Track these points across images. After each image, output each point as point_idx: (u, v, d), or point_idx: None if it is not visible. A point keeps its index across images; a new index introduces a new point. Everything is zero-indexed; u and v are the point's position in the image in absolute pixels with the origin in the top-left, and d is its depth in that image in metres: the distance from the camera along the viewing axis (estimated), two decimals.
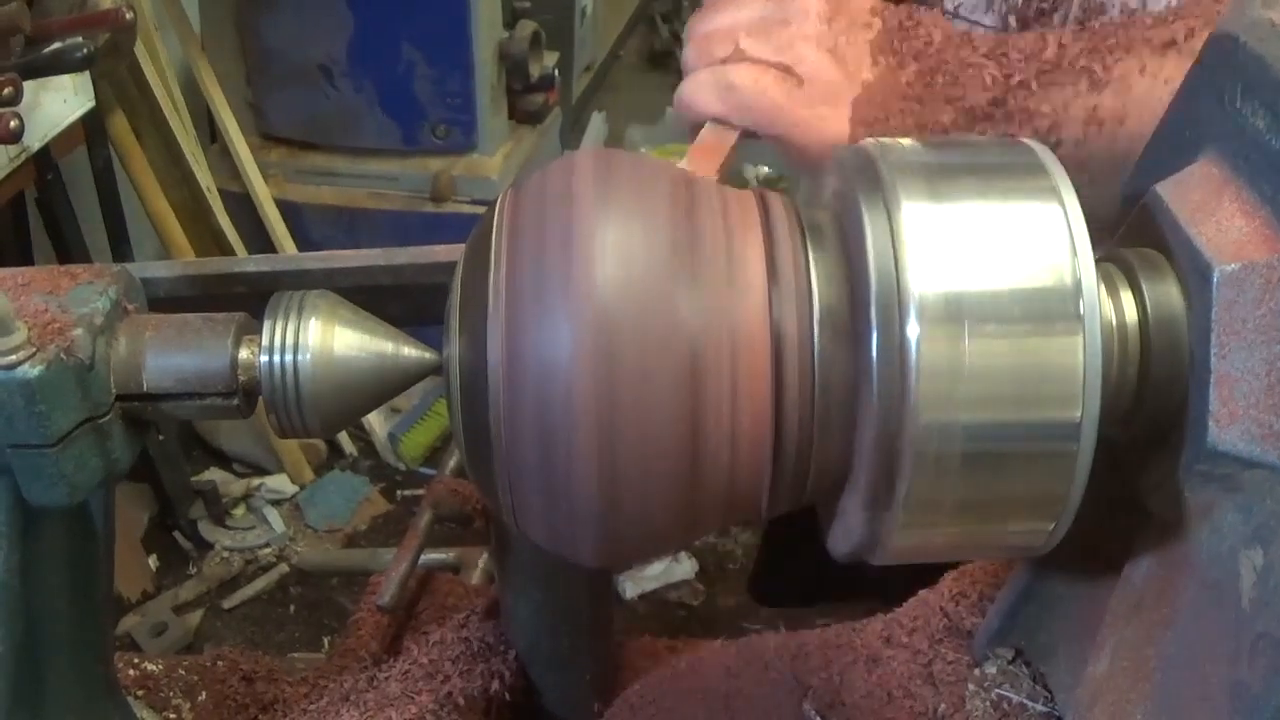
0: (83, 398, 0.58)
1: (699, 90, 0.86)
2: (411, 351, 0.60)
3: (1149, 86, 0.81)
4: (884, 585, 0.99)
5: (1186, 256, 0.56)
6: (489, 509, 1.01)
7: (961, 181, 0.55)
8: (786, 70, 0.84)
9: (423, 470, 3.05)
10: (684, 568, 2.68)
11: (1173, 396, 0.56)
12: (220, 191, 2.84)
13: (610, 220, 0.54)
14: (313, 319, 0.59)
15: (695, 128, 0.87)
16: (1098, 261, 0.53)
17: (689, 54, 0.89)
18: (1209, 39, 0.58)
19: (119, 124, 2.51)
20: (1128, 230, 0.62)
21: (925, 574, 0.89)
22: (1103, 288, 0.56)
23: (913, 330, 0.52)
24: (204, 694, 0.95)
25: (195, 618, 2.68)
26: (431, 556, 1.25)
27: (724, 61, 0.86)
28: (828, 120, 0.84)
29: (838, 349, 0.54)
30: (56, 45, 1.80)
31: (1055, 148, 0.73)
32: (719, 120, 0.86)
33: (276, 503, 2.97)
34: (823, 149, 0.83)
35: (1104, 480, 0.55)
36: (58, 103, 2.07)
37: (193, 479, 2.92)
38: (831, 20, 0.85)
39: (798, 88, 0.84)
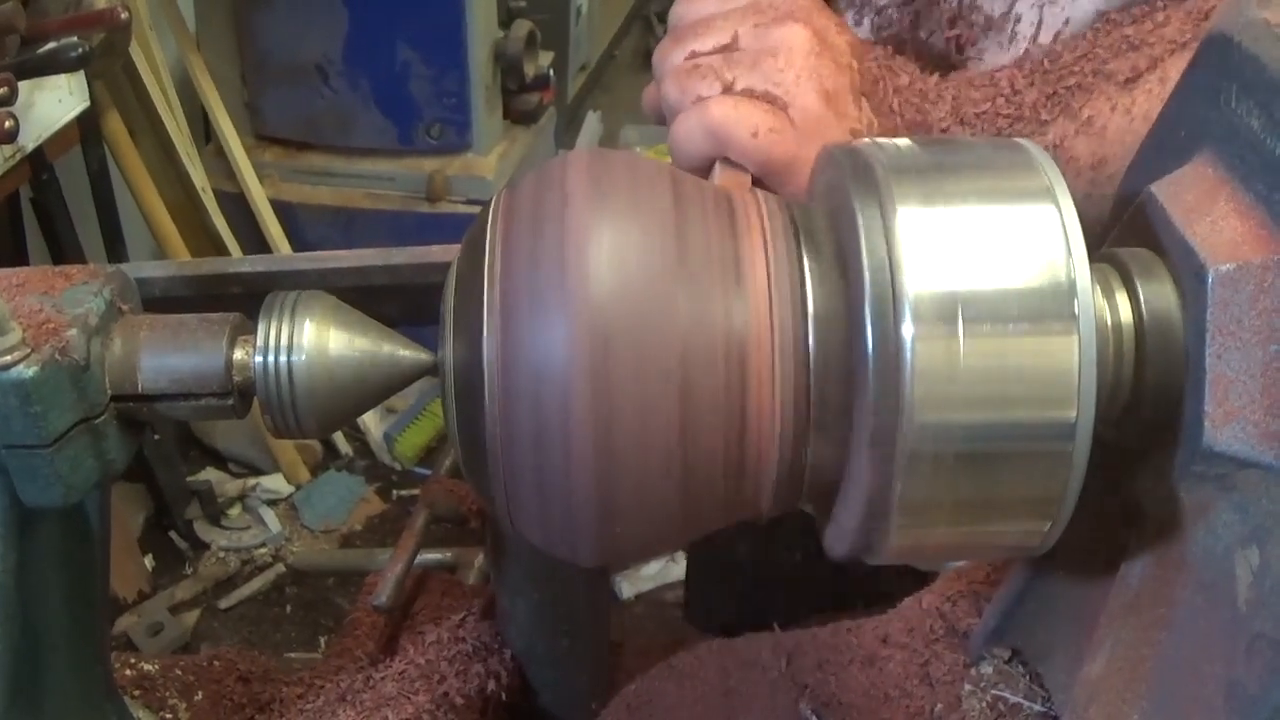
0: (78, 398, 0.58)
1: (688, 137, 0.79)
2: (407, 352, 0.60)
3: (1122, 123, 0.77)
4: (822, 607, 0.98)
5: (1181, 257, 0.56)
6: (485, 509, 1.01)
7: (956, 181, 0.55)
8: (774, 103, 0.78)
9: (418, 470, 3.05)
10: (680, 568, 2.68)
11: (1168, 397, 0.56)
12: (215, 191, 2.84)
13: (605, 221, 0.54)
14: (308, 320, 0.59)
15: (702, 171, 0.80)
16: (1092, 262, 0.54)
17: (670, 91, 0.82)
18: (1204, 40, 0.58)
19: (114, 124, 2.51)
20: (1122, 230, 0.62)
21: (870, 596, 0.88)
22: (1098, 288, 0.56)
23: (908, 330, 0.52)
24: (200, 694, 0.94)
25: (191, 618, 2.68)
26: (428, 556, 1.25)
27: (708, 98, 0.79)
28: (810, 164, 0.75)
29: (832, 350, 0.54)
30: (51, 45, 1.80)
31: None
32: (724, 161, 0.79)
33: (272, 503, 2.97)
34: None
35: (1100, 480, 0.55)
36: (53, 103, 2.06)
37: (188, 479, 2.92)
38: (819, 55, 0.79)
39: (788, 124, 0.78)
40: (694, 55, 0.82)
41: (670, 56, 0.84)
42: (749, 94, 0.79)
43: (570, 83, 4.02)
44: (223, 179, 2.94)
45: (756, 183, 0.77)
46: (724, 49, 0.81)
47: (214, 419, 0.63)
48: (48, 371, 0.56)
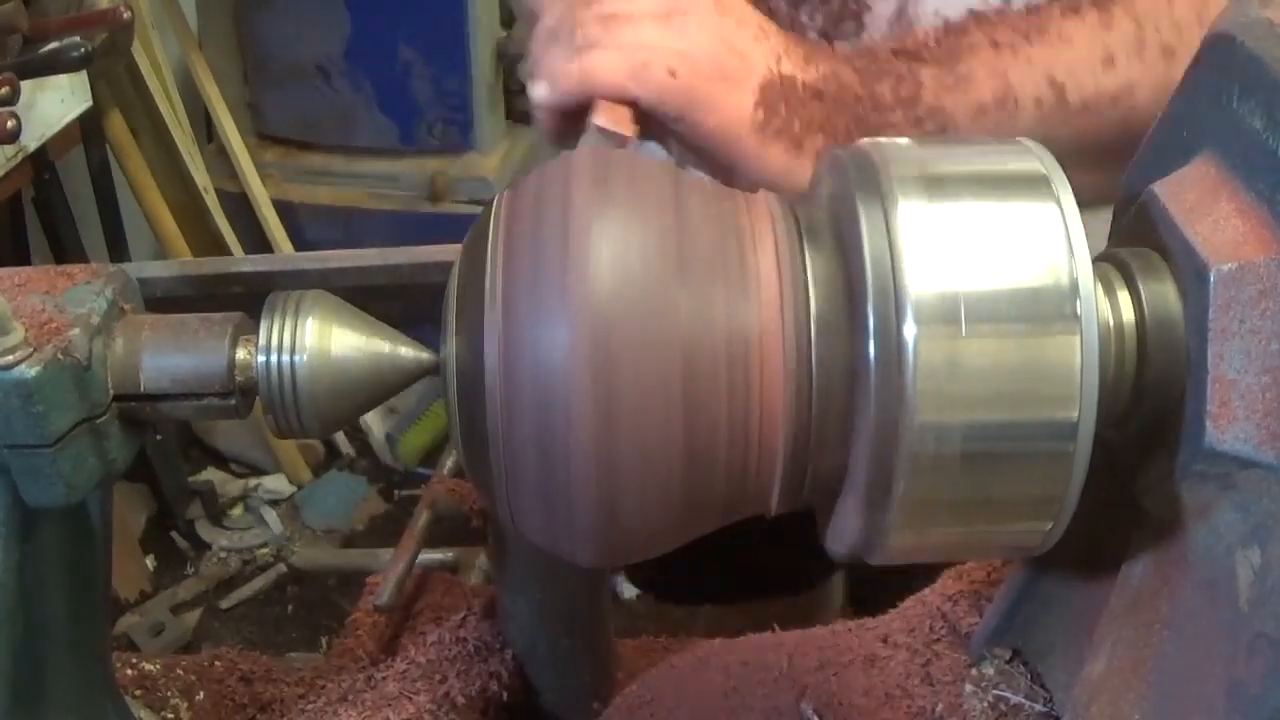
0: (80, 398, 0.58)
1: (612, 69, 0.84)
2: (409, 352, 0.60)
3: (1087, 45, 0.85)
4: (794, 582, 0.99)
5: (1183, 256, 0.56)
6: (487, 509, 1.01)
7: (958, 181, 0.55)
8: (686, 56, 0.84)
9: (420, 470, 3.05)
10: None
11: (1170, 396, 0.56)
12: (217, 191, 2.84)
13: (607, 221, 0.54)
14: (310, 319, 0.59)
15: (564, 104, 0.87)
16: (1094, 261, 0.54)
17: (591, 30, 0.86)
18: (1206, 38, 0.58)
19: (116, 124, 2.51)
20: (1124, 230, 0.62)
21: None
22: (1100, 288, 0.56)
23: (909, 330, 0.52)
24: (202, 694, 0.94)
25: (193, 618, 2.68)
26: (429, 556, 1.25)
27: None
28: (726, 96, 0.84)
29: (835, 350, 0.54)
30: (54, 45, 1.81)
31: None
32: (620, 99, 0.84)
33: (274, 503, 2.97)
34: (722, 130, 0.84)
35: (1101, 480, 0.55)
36: (55, 102, 2.07)
37: (190, 479, 2.92)
38: (725, 11, 0.86)
39: (695, 67, 0.84)
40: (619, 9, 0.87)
41: (593, 4, 0.88)
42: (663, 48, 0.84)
43: None
44: (225, 179, 2.94)
45: (648, 122, 0.83)
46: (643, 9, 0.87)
47: (216, 419, 0.63)
48: (50, 371, 0.56)
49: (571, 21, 0.87)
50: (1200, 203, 0.56)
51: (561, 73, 0.86)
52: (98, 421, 0.59)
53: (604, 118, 0.83)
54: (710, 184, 0.60)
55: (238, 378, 0.60)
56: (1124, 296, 0.57)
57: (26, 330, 0.57)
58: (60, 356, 0.57)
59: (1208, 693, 0.55)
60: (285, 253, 2.87)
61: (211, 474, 3.01)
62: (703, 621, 1.45)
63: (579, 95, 0.85)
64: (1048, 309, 0.52)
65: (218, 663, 0.98)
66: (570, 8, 0.88)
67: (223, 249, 2.81)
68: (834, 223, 0.57)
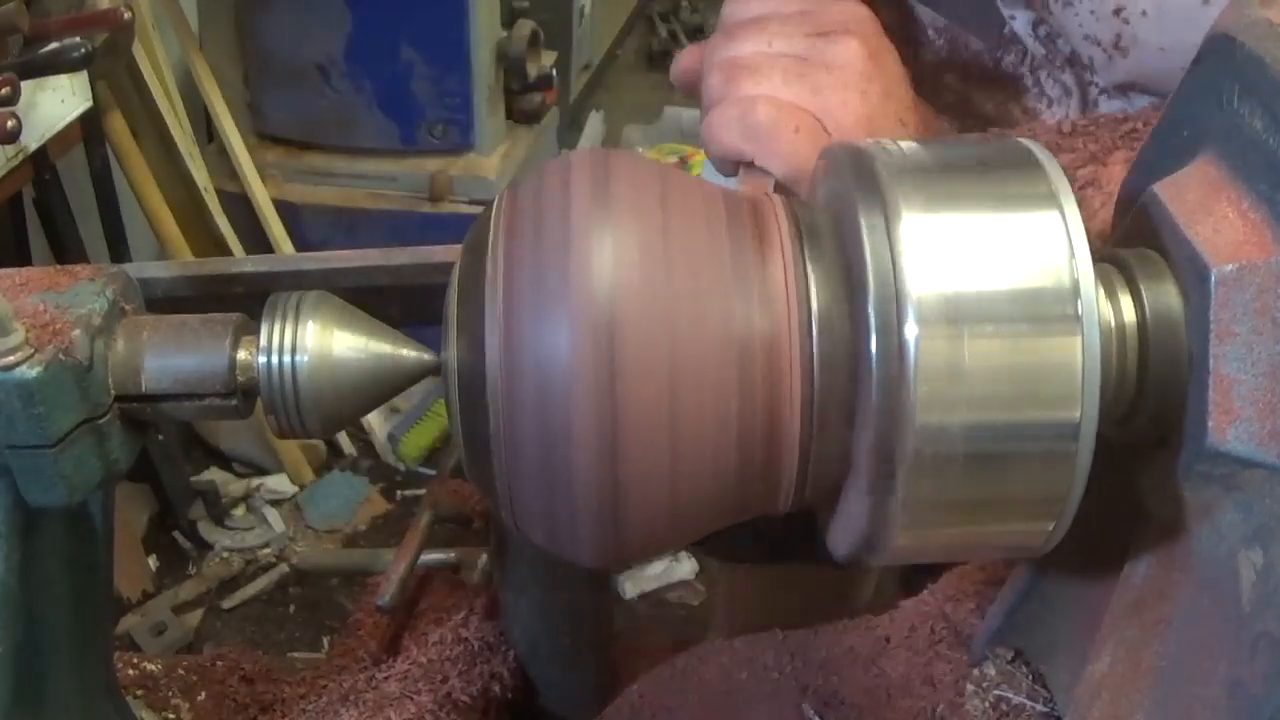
0: (81, 399, 0.58)
1: (724, 128, 0.78)
2: (410, 352, 0.60)
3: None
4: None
5: (1184, 257, 0.56)
6: (488, 509, 1.01)
7: (959, 183, 0.55)
8: (817, 120, 0.78)
9: (422, 470, 3.04)
10: (684, 568, 2.68)
11: (1171, 397, 0.56)
12: (218, 191, 2.83)
13: (609, 221, 0.54)
14: (311, 320, 0.59)
15: (728, 166, 0.81)
16: (1095, 262, 0.53)
17: (714, 83, 0.81)
18: (1206, 39, 0.58)
19: (116, 124, 2.50)
20: (1126, 231, 0.62)
21: None
22: (1101, 288, 0.56)
23: (911, 332, 0.52)
24: (203, 694, 0.95)
25: (195, 618, 2.68)
26: (431, 557, 1.26)
27: (754, 95, 0.79)
28: None
29: (836, 351, 0.54)
30: (54, 45, 1.80)
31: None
32: (749, 165, 0.79)
33: (276, 503, 2.97)
34: None
35: (1103, 480, 0.55)
36: (55, 103, 2.07)
37: (192, 479, 2.92)
38: (870, 79, 0.79)
39: (824, 139, 0.77)
40: (747, 55, 0.81)
41: (722, 50, 0.82)
42: (793, 103, 0.78)
43: (573, 83, 4.02)
44: (225, 179, 2.94)
45: (778, 189, 0.77)
46: (777, 54, 0.81)
47: (218, 419, 0.63)
48: (51, 372, 0.56)
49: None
50: (1201, 203, 0.56)
51: (703, 128, 0.81)
52: (99, 422, 0.59)
53: (743, 181, 0.77)
54: (716, 186, 0.60)
55: (239, 378, 0.60)
56: (1125, 297, 0.57)
57: (28, 331, 0.57)
58: (61, 357, 0.57)
59: (1210, 693, 0.55)
60: (286, 253, 2.87)
61: (214, 474, 3.00)
62: (743, 582, 1.42)
63: (715, 158, 0.80)
64: (1049, 310, 0.52)
65: (219, 663, 0.98)
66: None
67: (224, 249, 2.80)
68: (834, 223, 0.57)
